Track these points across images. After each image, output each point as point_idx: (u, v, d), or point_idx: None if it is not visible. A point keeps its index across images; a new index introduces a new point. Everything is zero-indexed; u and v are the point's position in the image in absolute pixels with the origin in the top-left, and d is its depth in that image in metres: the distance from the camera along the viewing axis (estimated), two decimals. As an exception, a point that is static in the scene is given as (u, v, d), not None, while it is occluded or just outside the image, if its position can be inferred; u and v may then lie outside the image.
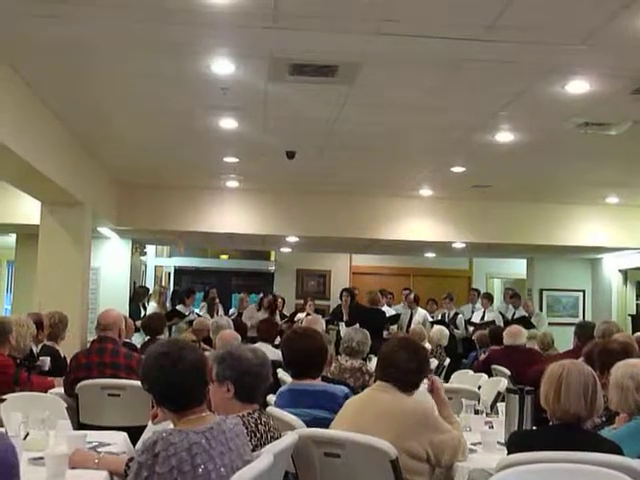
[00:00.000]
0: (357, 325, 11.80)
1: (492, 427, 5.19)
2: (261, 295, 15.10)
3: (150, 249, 17.95)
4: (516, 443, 3.91)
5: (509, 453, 3.87)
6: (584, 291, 16.79)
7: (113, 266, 14.56)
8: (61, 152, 8.64)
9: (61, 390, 6.60)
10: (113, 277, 14.44)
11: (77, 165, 9.44)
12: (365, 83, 6.73)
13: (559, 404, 3.76)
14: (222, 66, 6.38)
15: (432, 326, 12.53)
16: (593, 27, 5.34)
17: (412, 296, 14.80)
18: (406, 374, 4.41)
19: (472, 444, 4.63)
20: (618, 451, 3.69)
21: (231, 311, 15.61)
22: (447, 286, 17.08)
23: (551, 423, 3.88)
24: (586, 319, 15.34)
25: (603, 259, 16.13)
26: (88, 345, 7.68)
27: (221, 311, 14.43)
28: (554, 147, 9.08)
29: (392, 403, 4.28)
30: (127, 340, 8.20)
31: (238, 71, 6.50)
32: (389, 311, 14.17)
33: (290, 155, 9.60)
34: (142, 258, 16.99)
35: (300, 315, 13.99)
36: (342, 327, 12.51)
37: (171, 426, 3.22)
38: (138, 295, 14.68)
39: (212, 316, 13.20)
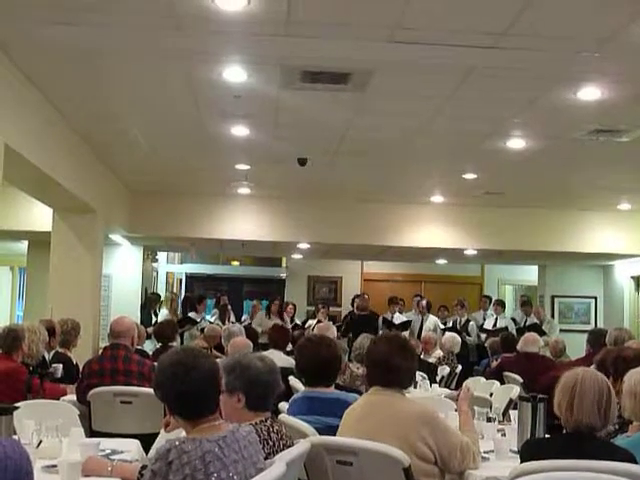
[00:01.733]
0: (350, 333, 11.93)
1: (504, 435, 5.17)
2: (272, 302, 14.98)
3: (161, 256, 17.99)
4: (529, 451, 3.88)
5: (522, 461, 3.84)
6: (596, 298, 16.74)
7: (125, 273, 14.58)
8: (73, 159, 8.67)
9: (73, 397, 6.61)
10: (125, 284, 14.46)
11: (89, 172, 9.47)
12: (377, 90, 6.74)
13: (572, 414, 3.72)
14: (234, 73, 6.40)
15: (443, 333, 12.52)
16: (606, 34, 5.34)
17: (424, 302, 14.78)
18: (405, 374, 4.40)
19: (484, 452, 4.61)
20: (632, 460, 3.65)
21: (243, 318, 15.61)
22: (459, 293, 17.06)
23: (565, 431, 3.86)
24: (598, 326, 15.29)
25: (615, 266, 16.08)
26: (100, 352, 7.69)
27: (233, 318, 14.42)
28: (566, 154, 9.07)
29: (396, 407, 4.25)
30: (139, 347, 8.21)
31: (250, 78, 6.52)
32: (400, 318, 14.19)
33: (302, 162, 9.60)
34: (153, 265, 17.02)
35: (311, 322, 14.00)
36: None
37: (184, 434, 3.21)
38: (150, 302, 14.69)
39: (224, 323, 13.21)
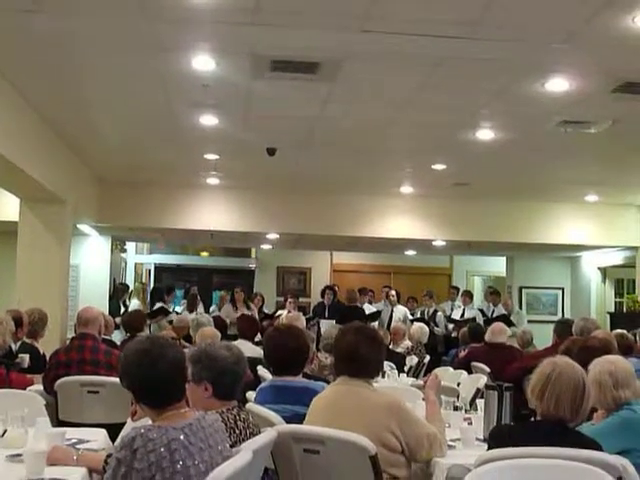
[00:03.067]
0: (333, 322, 11.89)
1: (471, 423, 5.19)
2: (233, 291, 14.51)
3: (130, 246, 17.87)
4: (498, 437, 3.89)
5: (489, 448, 3.85)
6: (563, 289, 16.89)
7: (93, 263, 14.45)
8: (41, 148, 8.58)
9: (40, 387, 6.56)
10: (93, 274, 14.33)
11: (57, 161, 9.39)
12: (347, 80, 6.73)
13: (542, 403, 3.72)
14: (203, 62, 6.36)
15: (412, 323, 12.55)
16: (574, 26, 5.38)
17: (393, 293, 14.82)
18: (373, 365, 4.40)
19: (451, 440, 4.63)
20: (599, 449, 3.68)
21: (212, 309, 15.56)
22: (428, 284, 17.12)
23: (532, 419, 3.87)
24: (565, 317, 15.40)
25: (582, 257, 16.22)
26: (67, 342, 7.63)
27: (201, 308, 14.37)
28: (534, 145, 9.12)
29: (364, 397, 4.25)
30: (107, 337, 8.16)
31: (219, 67, 6.49)
32: (370, 308, 14.22)
33: (271, 152, 9.59)
34: (122, 255, 16.91)
35: (281, 312, 13.97)
36: (322, 324, 12.54)
37: (150, 423, 3.20)
38: (118, 292, 14.61)
39: (191, 313, 13.16)
